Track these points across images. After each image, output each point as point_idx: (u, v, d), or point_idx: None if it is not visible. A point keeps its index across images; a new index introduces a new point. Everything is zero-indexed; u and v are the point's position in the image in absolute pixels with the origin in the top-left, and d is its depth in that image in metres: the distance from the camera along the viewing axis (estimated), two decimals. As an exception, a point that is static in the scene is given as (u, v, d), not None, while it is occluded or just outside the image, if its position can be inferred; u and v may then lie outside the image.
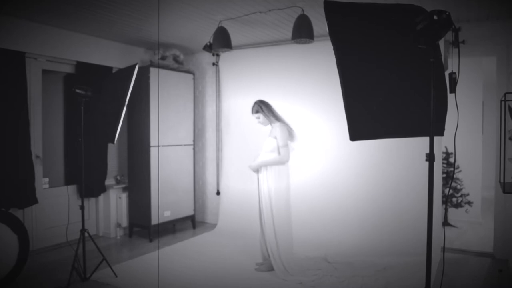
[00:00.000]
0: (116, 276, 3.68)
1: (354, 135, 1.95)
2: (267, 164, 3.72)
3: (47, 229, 4.62)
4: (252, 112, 3.86)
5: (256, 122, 3.92)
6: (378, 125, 2.02)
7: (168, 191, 5.21)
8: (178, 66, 5.47)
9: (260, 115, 3.81)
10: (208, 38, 4.51)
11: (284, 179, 3.76)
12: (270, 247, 3.69)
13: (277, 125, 3.75)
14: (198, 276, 3.76)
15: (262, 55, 5.29)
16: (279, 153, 3.70)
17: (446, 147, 5.62)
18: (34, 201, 4.30)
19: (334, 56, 1.95)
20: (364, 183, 4.58)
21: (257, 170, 3.81)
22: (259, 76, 5.27)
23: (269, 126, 3.88)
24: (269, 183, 3.69)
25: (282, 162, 3.71)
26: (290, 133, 3.80)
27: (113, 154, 5.45)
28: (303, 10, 3.79)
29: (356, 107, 1.96)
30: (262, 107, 3.80)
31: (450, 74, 1.96)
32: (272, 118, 3.80)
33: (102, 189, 5.16)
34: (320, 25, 4.12)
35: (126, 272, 3.83)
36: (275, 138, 3.71)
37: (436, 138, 1.98)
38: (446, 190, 5.06)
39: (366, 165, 4.57)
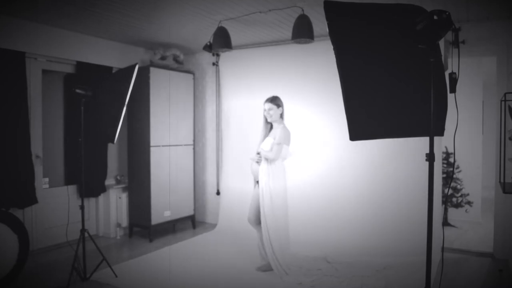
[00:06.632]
0: (116, 276, 3.68)
1: (354, 135, 1.95)
2: (261, 155, 3.74)
3: (47, 229, 4.62)
4: (269, 101, 3.79)
5: (260, 115, 3.89)
6: (378, 125, 2.02)
7: (168, 191, 5.21)
8: (178, 66, 5.47)
9: (275, 108, 3.75)
10: (208, 38, 4.51)
11: (281, 179, 3.75)
12: (266, 247, 3.69)
13: (281, 126, 3.78)
14: (198, 276, 3.76)
15: (262, 55, 5.29)
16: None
17: (446, 147, 5.62)
18: (34, 201, 4.29)
19: (334, 56, 1.95)
20: (364, 183, 4.58)
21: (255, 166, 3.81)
22: (259, 76, 5.27)
23: (269, 125, 3.89)
24: (264, 183, 3.68)
25: (270, 157, 3.68)
26: (288, 138, 3.81)
27: (113, 154, 5.45)
28: (303, 10, 3.79)
29: (356, 107, 1.96)
30: (281, 103, 3.81)
31: (450, 74, 1.96)
32: (280, 118, 3.81)
33: (102, 189, 5.16)
34: (320, 25, 4.12)
35: (126, 272, 3.83)
36: (274, 138, 3.72)
37: (436, 138, 1.98)
38: (446, 190, 5.06)
39: (366, 165, 4.57)
